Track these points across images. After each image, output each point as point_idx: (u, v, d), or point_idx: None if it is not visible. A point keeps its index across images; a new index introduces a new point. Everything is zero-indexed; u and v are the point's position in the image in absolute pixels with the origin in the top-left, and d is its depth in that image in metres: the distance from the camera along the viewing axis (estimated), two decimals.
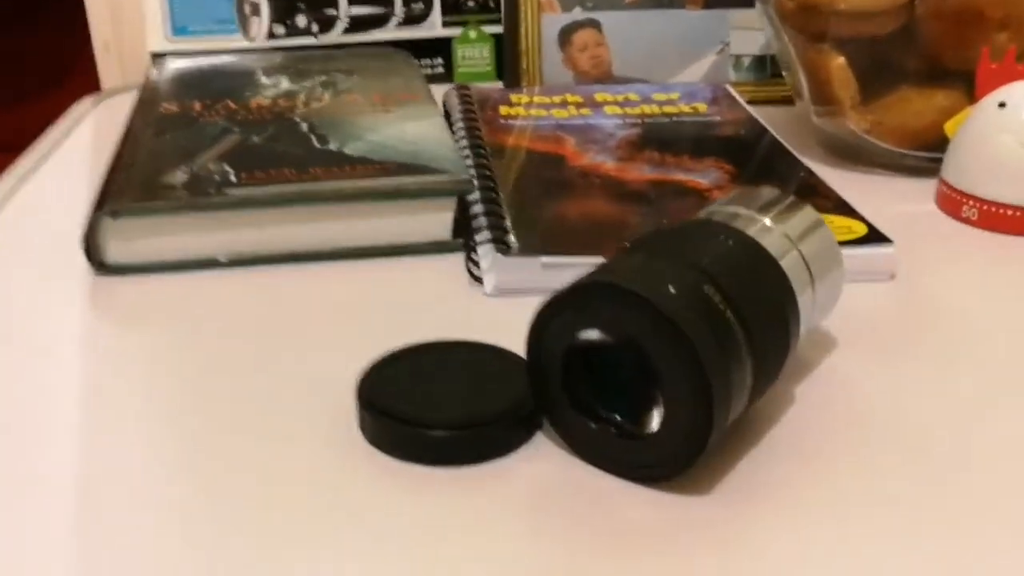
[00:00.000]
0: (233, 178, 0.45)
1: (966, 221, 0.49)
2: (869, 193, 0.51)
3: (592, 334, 0.31)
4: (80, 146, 0.59)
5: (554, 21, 0.65)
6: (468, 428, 0.32)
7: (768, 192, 0.38)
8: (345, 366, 0.35)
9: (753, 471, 0.32)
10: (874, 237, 0.45)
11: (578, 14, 0.66)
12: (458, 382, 0.34)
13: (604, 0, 0.65)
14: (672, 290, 0.30)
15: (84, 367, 0.38)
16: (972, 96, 0.51)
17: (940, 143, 0.51)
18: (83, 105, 0.65)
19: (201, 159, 0.48)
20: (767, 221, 0.35)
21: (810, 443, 0.33)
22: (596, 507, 0.30)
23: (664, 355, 0.29)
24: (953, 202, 0.49)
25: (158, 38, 0.66)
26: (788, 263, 0.34)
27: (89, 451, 0.33)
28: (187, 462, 0.32)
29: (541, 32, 0.65)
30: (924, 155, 0.53)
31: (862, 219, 0.46)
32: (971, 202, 0.48)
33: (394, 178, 0.46)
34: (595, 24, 0.66)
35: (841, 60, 0.53)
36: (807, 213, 0.37)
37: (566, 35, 0.66)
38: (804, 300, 0.34)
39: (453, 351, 0.36)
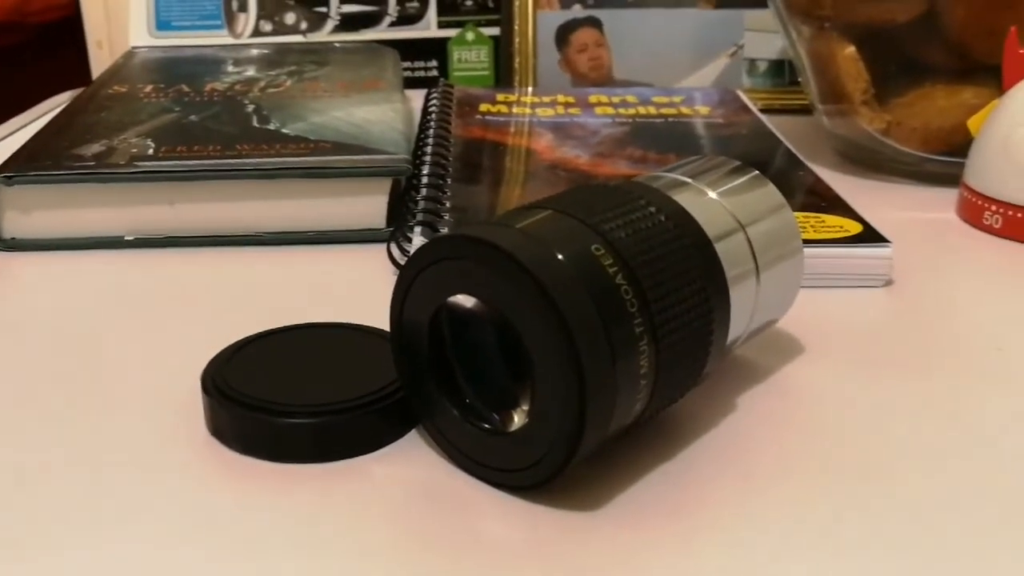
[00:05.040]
0: (151, 152, 0.41)
1: (988, 229, 0.42)
2: (881, 200, 0.45)
3: (461, 300, 0.25)
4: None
5: (551, 19, 0.60)
6: (316, 416, 0.27)
7: (726, 163, 0.32)
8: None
9: (659, 487, 0.25)
10: (869, 237, 0.38)
11: (577, 11, 0.61)
12: (324, 368, 0.29)
13: None
14: (558, 255, 0.24)
15: None
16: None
17: (967, 146, 0.45)
18: (60, 98, 0.63)
19: (126, 134, 0.44)
20: (712, 194, 0.29)
21: (739, 461, 0.27)
22: (457, 518, 0.24)
23: (534, 332, 0.23)
24: (974, 208, 0.42)
25: (141, 33, 0.64)
26: (727, 245, 0.28)
27: None
28: (15, 441, 0.28)
29: (537, 30, 0.60)
30: (948, 159, 0.47)
31: (858, 218, 0.39)
32: (994, 207, 0.41)
33: (323, 156, 0.41)
34: (595, 23, 0.61)
35: (851, 50, 0.46)
36: (767, 192, 0.31)
37: (564, 34, 0.61)
38: (742, 292, 0.28)
39: (328, 334, 0.30)
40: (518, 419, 0.25)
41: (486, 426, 0.25)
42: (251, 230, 0.41)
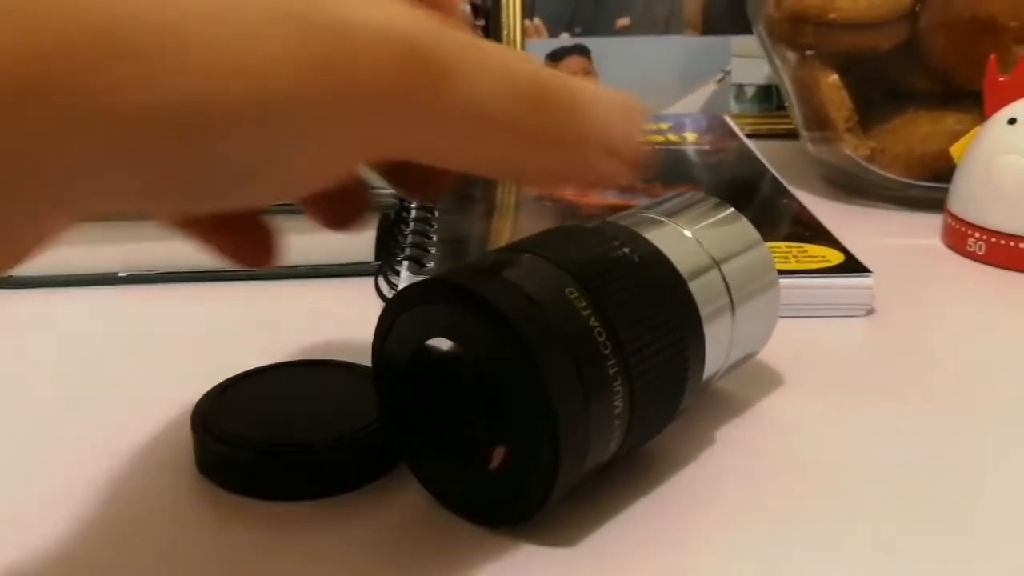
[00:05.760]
0: None
1: (972, 256, 0.42)
2: (865, 226, 0.45)
3: (438, 342, 0.26)
4: None
5: (539, 47, 0.61)
6: (300, 454, 0.27)
7: (700, 201, 0.32)
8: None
9: (637, 522, 0.26)
10: (851, 267, 0.38)
11: (565, 40, 0.61)
12: (310, 406, 0.29)
13: (594, 25, 0.61)
14: (532, 299, 0.24)
15: None
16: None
17: (951, 172, 0.45)
18: None
19: None
20: (687, 232, 0.30)
21: (716, 495, 0.27)
22: (437, 556, 0.25)
23: (508, 376, 0.24)
24: (958, 235, 0.43)
25: None
26: (701, 283, 0.28)
27: None
28: (3, 475, 0.28)
29: None
30: (933, 185, 0.47)
31: (841, 248, 0.40)
32: (977, 234, 0.42)
33: None
34: (583, 51, 0.61)
35: (834, 78, 0.47)
36: (742, 228, 0.31)
37: (552, 63, 0.61)
38: (717, 328, 0.28)
39: (315, 372, 0.31)
40: (496, 458, 0.25)
41: (465, 465, 0.26)
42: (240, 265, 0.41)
